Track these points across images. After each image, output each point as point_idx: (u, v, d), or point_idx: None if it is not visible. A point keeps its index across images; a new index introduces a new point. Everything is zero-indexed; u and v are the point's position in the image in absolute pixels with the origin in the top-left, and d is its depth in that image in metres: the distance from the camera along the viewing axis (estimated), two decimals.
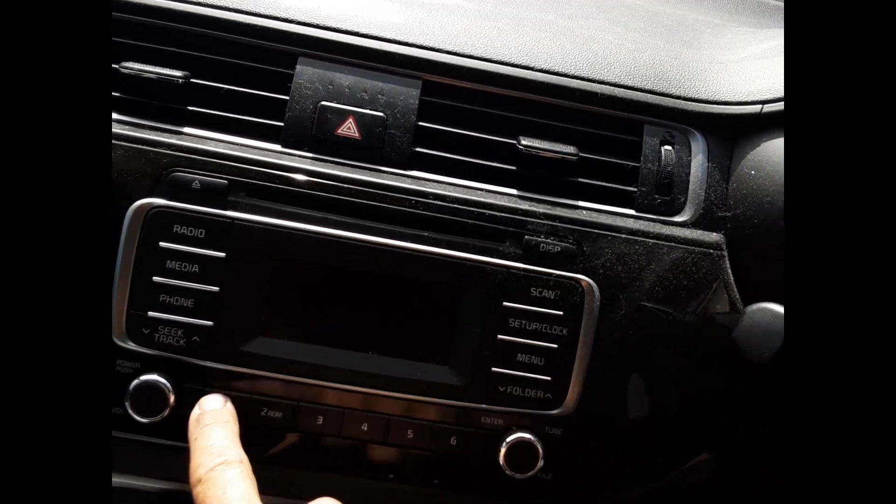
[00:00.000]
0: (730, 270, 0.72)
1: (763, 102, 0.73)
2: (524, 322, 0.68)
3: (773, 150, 0.71)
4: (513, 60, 0.72)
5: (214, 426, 0.62)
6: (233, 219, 0.66)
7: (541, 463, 0.69)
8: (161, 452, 0.68)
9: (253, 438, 0.68)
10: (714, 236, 0.72)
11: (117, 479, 0.68)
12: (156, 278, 0.65)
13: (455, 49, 0.72)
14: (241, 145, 0.69)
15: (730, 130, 0.74)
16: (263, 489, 0.72)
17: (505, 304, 0.68)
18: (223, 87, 0.69)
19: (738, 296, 0.71)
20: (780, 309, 0.69)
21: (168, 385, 0.65)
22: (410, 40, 0.72)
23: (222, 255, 0.66)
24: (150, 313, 0.65)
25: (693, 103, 0.74)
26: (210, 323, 0.66)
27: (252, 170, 0.67)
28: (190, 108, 0.69)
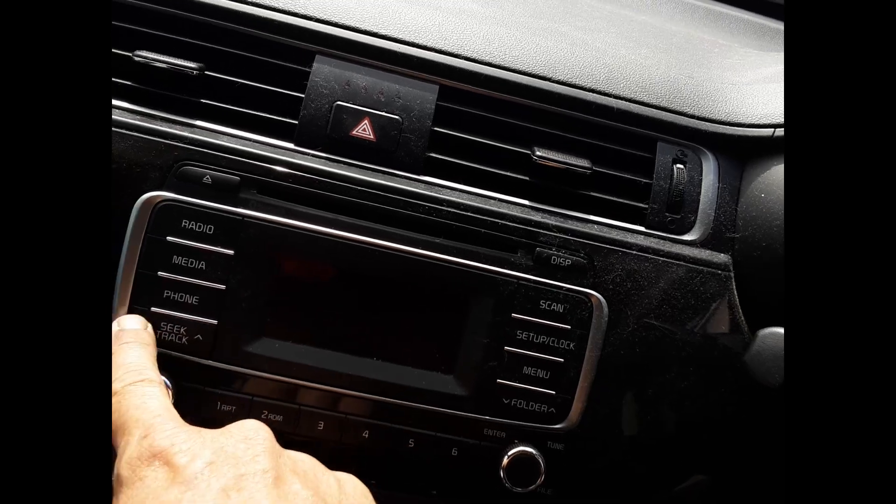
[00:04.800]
0: (736, 291, 0.72)
1: (775, 126, 0.73)
2: (532, 334, 0.68)
3: (782, 173, 0.72)
4: (531, 70, 0.72)
5: (133, 345, 0.60)
6: (243, 216, 0.64)
7: (541, 478, 0.68)
8: None
9: None
10: (722, 257, 0.72)
11: None
12: (161, 273, 0.64)
13: (474, 55, 0.71)
14: (254, 141, 0.67)
15: (741, 152, 0.75)
16: None
17: (514, 315, 0.68)
18: (238, 82, 0.68)
19: (742, 317, 0.72)
20: None
21: (168, 383, 0.63)
22: (429, 44, 0.71)
23: (230, 252, 0.64)
24: (154, 309, 0.64)
25: (707, 123, 0.74)
26: (214, 322, 0.64)
27: (264, 167, 0.66)
28: (203, 101, 0.67)
